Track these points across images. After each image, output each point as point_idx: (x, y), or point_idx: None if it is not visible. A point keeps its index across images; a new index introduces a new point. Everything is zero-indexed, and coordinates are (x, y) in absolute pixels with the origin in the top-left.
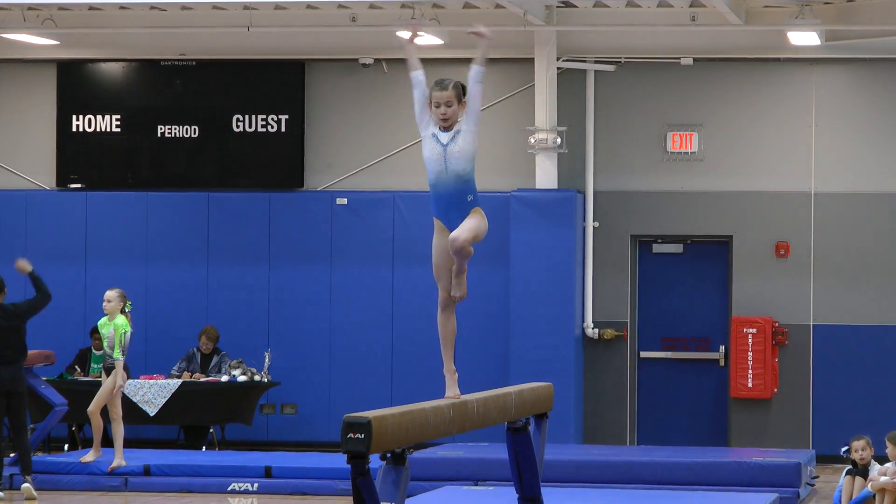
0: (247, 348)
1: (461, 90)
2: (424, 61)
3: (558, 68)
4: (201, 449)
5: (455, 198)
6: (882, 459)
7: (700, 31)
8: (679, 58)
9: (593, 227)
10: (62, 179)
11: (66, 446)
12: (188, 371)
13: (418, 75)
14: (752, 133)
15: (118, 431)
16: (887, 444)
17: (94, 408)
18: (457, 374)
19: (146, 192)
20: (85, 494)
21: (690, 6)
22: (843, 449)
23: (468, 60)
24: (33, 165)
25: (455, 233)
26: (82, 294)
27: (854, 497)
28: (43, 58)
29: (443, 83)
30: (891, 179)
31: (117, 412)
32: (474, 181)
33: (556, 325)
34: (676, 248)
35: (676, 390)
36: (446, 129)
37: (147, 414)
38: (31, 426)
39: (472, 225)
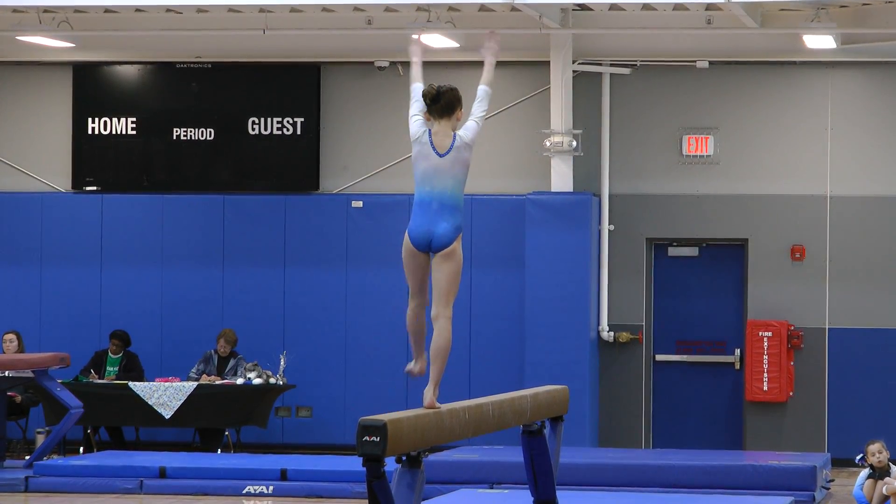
0: (262, 351)
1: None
2: (439, 64)
3: (574, 71)
4: (216, 451)
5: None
6: None
7: (716, 34)
8: (695, 61)
9: (609, 230)
10: (78, 182)
11: (81, 449)
12: (205, 373)
13: (418, 88)
14: (768, 136)
15: None
16: None
17: None
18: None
19: (161, 194)
20: (100, 497)
21: (706, 9)
22: (858, 457)
23: (483, 64)
24: (49, 168)
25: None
26: (97, 297)
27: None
28: (59, 60)
29: (437, 99)
30: None
31: None
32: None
33: (571, 328)
34: (692, 251)
35: (691, 393)
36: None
37: (163, 416)
38: (47, 428)
39: (447, 288)
